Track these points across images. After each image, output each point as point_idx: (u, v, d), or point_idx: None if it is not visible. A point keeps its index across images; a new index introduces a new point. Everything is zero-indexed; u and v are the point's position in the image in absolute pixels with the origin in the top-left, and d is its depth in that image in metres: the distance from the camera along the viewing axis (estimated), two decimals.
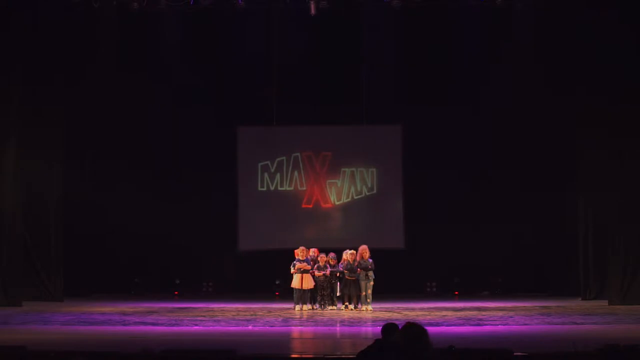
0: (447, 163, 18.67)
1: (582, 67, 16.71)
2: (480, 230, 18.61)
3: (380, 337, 6.51)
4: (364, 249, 15.46)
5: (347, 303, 15.51)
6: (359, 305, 15.40)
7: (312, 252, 15.95)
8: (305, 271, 15.60)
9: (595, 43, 16.25)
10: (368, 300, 15.33)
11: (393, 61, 18.55)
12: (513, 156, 18.42)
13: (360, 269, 15.33)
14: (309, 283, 15.62)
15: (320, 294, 15.70)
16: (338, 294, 15.74)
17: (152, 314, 14.70)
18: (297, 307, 15.51)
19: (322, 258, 15.66)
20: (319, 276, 15.60)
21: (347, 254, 15.56)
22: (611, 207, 16.33)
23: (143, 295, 18.40)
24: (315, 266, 15.66)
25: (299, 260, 15.71)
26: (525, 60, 17.83)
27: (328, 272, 15.58)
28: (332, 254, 15.79)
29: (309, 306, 15.62)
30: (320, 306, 15.63)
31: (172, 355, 7.72)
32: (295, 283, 15.65)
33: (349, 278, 15.46)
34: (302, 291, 15.59)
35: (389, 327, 6.52)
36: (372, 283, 15.36)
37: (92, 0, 16.29)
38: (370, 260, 15.36)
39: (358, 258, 15.41)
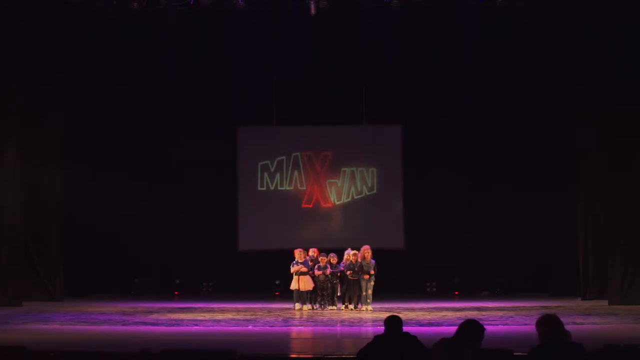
0: (446, 163, 18.66)
1: (582, 67, 16.71)
2: (480, 230, 18.63)
3: (380, 335, 6.52)
4: (366, 249, 15.40)
5: (347, 303, 15.50)
6: (359, 305, 15.39)
7: (312, 252, 15.93)
8: (302, 273, 15.59)
9: (595, 43, 16.26)
10: (368, 300, 15.31)
11: (393, 61, 18.51)
12: (513, 156, 18.41)
13: (362, 271, 15.30)
14: (306, 285, 15.59)
15: (320, 294, 15.68)
16: (338, 294, 15.74)
17: (152, 314, 14.70)
18: (297, 307, 15.50)
19: (323, 259, 15.62)
20: (319, 275, 15.58)
21: (350, 254, 15.51)
22: (611, 207, 16.33)
23: (143, 295, 18.39)
24: (316, 266, 15.64)
25: (297, 262, 15.69)
26: (525, 60, 17.82)
27: (328, 271, 15.55)
28: (332, 254, 15.78)
29: (309, 306, 15.60)
30: (320, 306, 15.62)
31: (172, 355, 7.71)
32: (293, 285, 15.65)
33: (352, 278, 15.44)
34: (300, 292, 15.59)
35: (392, 320, 6.53)
36: (372, 283, 15.34)
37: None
38: (373, 262, 15.31)
39: (360, 259, 15.38)
